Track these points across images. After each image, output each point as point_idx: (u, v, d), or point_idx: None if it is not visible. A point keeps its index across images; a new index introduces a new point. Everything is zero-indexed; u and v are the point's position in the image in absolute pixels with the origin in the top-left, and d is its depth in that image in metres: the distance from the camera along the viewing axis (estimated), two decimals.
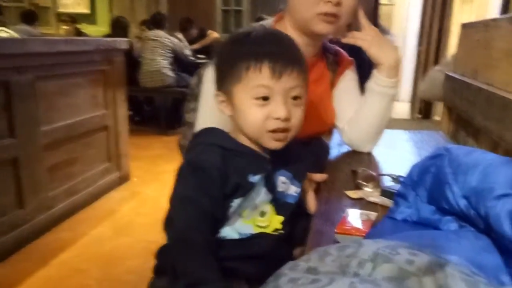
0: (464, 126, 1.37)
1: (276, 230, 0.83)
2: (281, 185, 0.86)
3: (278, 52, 0.79)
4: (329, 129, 1.34)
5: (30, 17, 5.28)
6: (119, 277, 1.95)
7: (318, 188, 1.02)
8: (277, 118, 0.78)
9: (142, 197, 2.90)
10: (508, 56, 1.00)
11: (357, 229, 0.73)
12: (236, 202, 0.79)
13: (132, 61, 4.40)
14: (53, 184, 2.37)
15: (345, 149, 1.31)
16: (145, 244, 2.21)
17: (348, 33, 1.15)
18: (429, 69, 4.96)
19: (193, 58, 5.07)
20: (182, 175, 0.81)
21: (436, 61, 5.02)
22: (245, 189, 0.80)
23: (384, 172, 1.09)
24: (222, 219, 0.79)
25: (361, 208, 0.85)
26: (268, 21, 1.22)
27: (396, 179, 1.02)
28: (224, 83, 0.83)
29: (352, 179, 1.04)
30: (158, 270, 0.90)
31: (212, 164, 0.77)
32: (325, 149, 1.31)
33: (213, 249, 0.75)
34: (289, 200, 0.87)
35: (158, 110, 4.79)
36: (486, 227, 0.53)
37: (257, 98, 0.78)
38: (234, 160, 0.80)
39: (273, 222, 0.84)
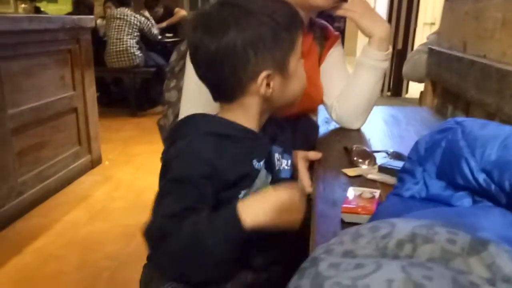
0: (452, 101, 1.36)
1: None
2: (276, 163, 0.83)
3: (300, 20, 0.82)
4: (316, 106, 1.31)
5: None
6: (98, 263, 1.89)
7: (311, 166, 0.99)
8: None
9: (115, 181, 2.82)
10: (503, 26, 0.99)
11: (364, 207, 0.71)
12: (243, 193, 0.75)
13: (97, 41, 4.23)
14: (22, 170, 2.26)
15: (332, 126, 1.29)
16: (122, 229, 2.16)
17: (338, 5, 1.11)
18: (397, 45, 5.05)
19: (160, 37, 4.92)
20: (166, 169, 0.74)
21: (405, 38, 5.09)
22: (251, 177, 0.76)
23: (374, 149, 1.07)
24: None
25: (360, 186, 0.82)
26: None
27: (391, 154, 1.00)
28: (271, 59, 0.75)
29: (345, 157, 1.02)
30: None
31: (203, 155, 0.71)
32: (314, 126, 1.28)
33: None
34: (283, 175, 0.85)
35: (127, 91, 4.64)
36: (509, 201, 0.51)
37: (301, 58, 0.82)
38: (234, 148, 0.75)
39: None
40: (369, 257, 0.36)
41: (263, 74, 0.75)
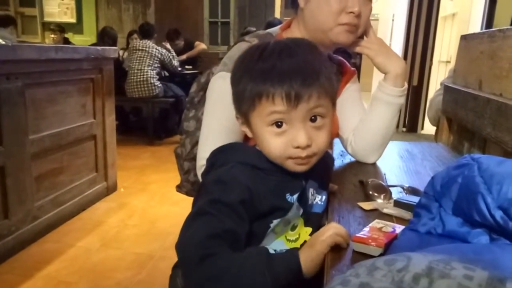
0: (468, 138, 1.36)
1: (305, 242, 0.80)
2: (310, 198, 0.84)
3: (295, 71, 0.70)
4: (331, 140, 1.32)
5: (5, 21, 5.15)
6: None
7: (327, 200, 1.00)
8: (297, 147, 0.73)
9: (129, 208, 2.83)
10: None
11: (375, 239, 0.70)
12: (275, 223, 0.76)
13: (119, 71, 4.36)
14: (39, 194, 2.30)
15: (347, 159, 1.29)
16: (134, 257, 2.16)
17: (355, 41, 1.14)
18: (412, 82, 5.09)
19: (180, 69, 5.04)
20: (205, 191, 0.75)
21: (421, 75, 5.13)
22: (284, 210, 0.76)
23: (389, 183, 1.07)
24: (257, 238, 0.75)
25: (375, 220, 0.82)
26: (275, 29, 1.20)
27: (407, 189, 1.00)
28: (240, 106, 0.77)
29: (361, 190, 1.02)
30: None
31: (242, 180, 0.72)
32: (331, 159, 1.29)
33: None
34: (316, 210, 0.85)
35: (145, 120, 4.73)
36: None
37: (272, 125, 0.72)
38: (268, 180, 0.76)
39: (302, 234, 0.81)
40: None
41: (236, 114, 0.81)
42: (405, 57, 5.31)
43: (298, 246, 0.80)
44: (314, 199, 0.85)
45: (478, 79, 1.25)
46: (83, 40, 6.23)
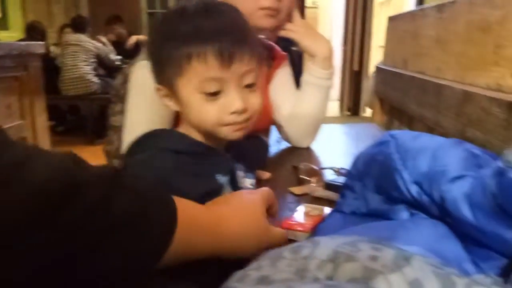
0: (397, 116, 1.39)
1: None
2: (240, 181, 0.80)
3: (224, 30, 0.66)
4: (267, 126, 1.31)
5: None
6: None
7: (260, 187, 0.98)
8: (234, 112, 0.68)
9: None
10: (437, 43, 1.02)
11: (302, 225, 0.69)
12: None
13: (51, 67, 4.13)
14: None
15: (284, 145, 1.28)
16: None
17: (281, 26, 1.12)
18: (353, 67, 5.22)
19: (119, 63, 4.85)
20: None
21: (361, 59, 5.26)
22: (214, 192, 0.69)
23: (324, 166, 1.06)
24: None
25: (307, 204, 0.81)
26: None
27: (338, 171, 1.00)
28: (162, 75, 0.70)
29: (294, 175, 1.01)
30: None
31: (161, 176, 0.64)
32: (264, 146, 1.27)
33: None
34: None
35: (84, 119, 4.52)
36: (441, 213, 0.51)
37: (207, 94, 0.66)
38: (194, 164, 0.70)
39: None
40: (285, 282, 0.34)
41: (156, 86, 0.72)
42: (345, 43, 5.42)
43: None
44: (244, 182, 0.82)
45: (404, 58, 1.28)
46: (9, 36, 5.80)
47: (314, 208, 0.76)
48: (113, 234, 0.38)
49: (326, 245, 0.39)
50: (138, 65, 1.02)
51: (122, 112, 1.20)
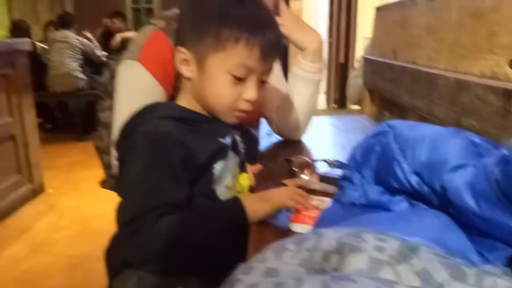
0: (388, 107, 1.39)
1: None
2: (239, 144, 0.83)
3: (273, 30, 0.71)
4: (257, 120, 1.30)
5: None
6: None
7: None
8: (248, 100, 0.73)
9: (59, 209, 2.67)
10: (428, 32, 1.02)
11: (311, 217, 0.68)
12: (219, 165, 0.73)
13: (38, 65, 4.06)
14: None
15: (275, 139, 1.28)
16: (67, 260, 2.03)
17: None
18: (339, 59, 5.21)
19: (105, 59, 4.79)
20: (135, 152, 0.68)
21: (346, 51, 5.25)
22: (222, 151, 0.74)
23: (316, 158, 1.06)
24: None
25: None
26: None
27: (331, 163, 1.00)
28: (195, 41, 0.71)
29: (286, 168, 1.01)
30: (122, 264, 0.76)
31: (175, 136, 0.68)
32: (254, 140, 1.26)
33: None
34: (242, 158, 0.85)
35: (72, 116, 4.47)
36: (442, 203, 0.50)
37: (235, 76, 0.70)
38: (198, 128, 0.73)
39: (242, 182, 0.82)
40: (291, 274, 0.34)
41: (181, 49, 0.73)
42: (330, 35, 5.40)
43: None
44: (241, 146, 0.84)
45: (393, 48, 1.27)
46: None
47: (322, 201, 0.75)
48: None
49: (330, 236, 0.39)
50: (124, 63, 1.00)
51: (111, 108, 1.19)
